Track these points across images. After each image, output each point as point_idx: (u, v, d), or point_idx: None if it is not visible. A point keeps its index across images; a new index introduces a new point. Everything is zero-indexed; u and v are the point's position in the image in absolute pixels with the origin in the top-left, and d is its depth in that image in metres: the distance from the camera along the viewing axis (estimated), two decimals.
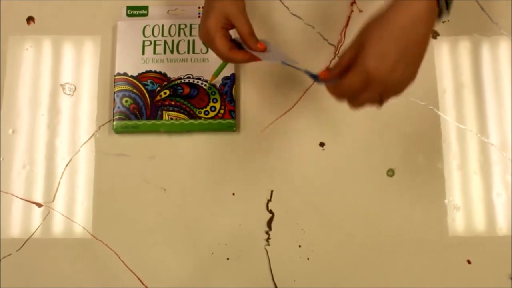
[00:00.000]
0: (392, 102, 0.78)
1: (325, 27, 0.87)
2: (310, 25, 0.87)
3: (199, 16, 0.86)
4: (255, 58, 0.68)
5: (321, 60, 0.85)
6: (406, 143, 0.83)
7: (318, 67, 0.81)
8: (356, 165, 0.82)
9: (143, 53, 0.85)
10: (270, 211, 0.81)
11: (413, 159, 0.82)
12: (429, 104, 0.84)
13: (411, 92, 0.78)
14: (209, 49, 0.72)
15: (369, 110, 0.78)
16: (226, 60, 0.70)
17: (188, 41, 0.85)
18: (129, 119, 0.83)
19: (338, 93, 0.62)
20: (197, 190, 0.82)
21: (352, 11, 0.87)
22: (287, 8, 0.88)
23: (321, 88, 0.79)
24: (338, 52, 0.86)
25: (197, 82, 0.84)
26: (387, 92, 0.62)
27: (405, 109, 0.84)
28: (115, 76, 0.84)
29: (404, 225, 0.80)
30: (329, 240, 0.79)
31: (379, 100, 0.63)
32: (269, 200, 0.81)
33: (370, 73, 0.59)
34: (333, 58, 0.86)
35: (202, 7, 0.74)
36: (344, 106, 0.78)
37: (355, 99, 0.62)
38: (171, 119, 0.83)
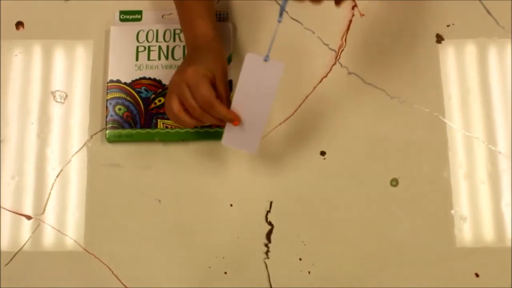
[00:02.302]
0: (396, 110, 0.83)
1: (325, 32, 0.87)
2: (310, 30, 0.87)
3: None
4: (234, 120, 0.72)
5: (321, 65, 0.86)
6: (410, 151, 0.82)
7: (318, 73, 0.84)
8: (358, 175, 0.82)
9: (137, 59, 0.85)
10: (270, 223, 0.81)
11: (417, 168, 0.82)
12: (434, 111, 0.84)
13: (415, 98, 0.84)
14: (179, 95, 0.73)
15: (371, 118, 0.83)
16: (206, 105, 0.70)
17: (184, 46, 0.85)
18: (123, 127, 0.82)
19: None
20: (193, 201, 0.82)
21: (353, 15, 0.87)
22: (287, 12, 0.87)
23: (322, 95, 0.84)
24: (339, 57, 0.86)
25: None
26: None
27: (409, 116, 0.84)
28: (107, 83, 0.84)
29: (409, 237, 0.80)
30: (331, 252, 0.79)
31: None
32: (268, 211, 0.81)
33: None
34: (334, 64, 0.86)
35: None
36: (345, 113, 0.81)
37: None
38: (166, 127, 0.82)
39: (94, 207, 0.82)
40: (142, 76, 0.84)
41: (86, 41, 0.87)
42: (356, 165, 0.82)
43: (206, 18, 0.77)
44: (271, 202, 0.81)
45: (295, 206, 0.81)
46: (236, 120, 0.72)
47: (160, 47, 0.85)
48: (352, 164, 0.83)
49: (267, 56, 0.70)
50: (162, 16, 0.87)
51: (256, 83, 0.71)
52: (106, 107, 0.83)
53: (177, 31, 0.86)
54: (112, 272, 0.79)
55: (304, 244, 0.80)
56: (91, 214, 0.81)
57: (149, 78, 0.84)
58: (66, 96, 0.86)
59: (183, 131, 0.82)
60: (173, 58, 0.85)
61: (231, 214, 0.81)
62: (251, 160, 0.82)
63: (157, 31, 0.86)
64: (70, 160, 0.83)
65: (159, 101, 0.84)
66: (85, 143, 0.84)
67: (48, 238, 0.80)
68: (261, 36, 0.86)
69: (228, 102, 0.73)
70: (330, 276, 0.78)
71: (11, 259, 0.79)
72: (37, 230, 0.81)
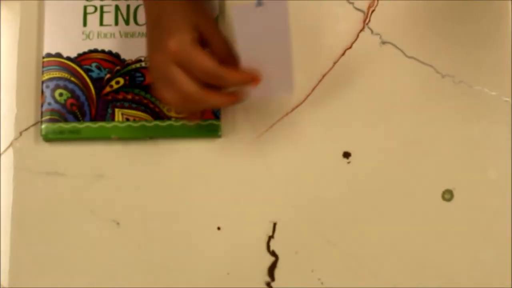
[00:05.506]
0: (449, 93, 0.77)
1: None
2: None
3: None
4: (254, 79, 0.68)
5: (344, 32, 0.77)
6: (469, 152, 0.76)
7: (340, 43, 0.78)
8: (396, 185, 0.76)
9: (85, 25, 0.78)
10: (273, 253, 0.75)
11: (480, 175, 0.75)
12: (504, 95, 0.76)
13: (477, 77, 0.78)
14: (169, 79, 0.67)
15: (415, 105, 0.78)
16: (213, 80, 0.66)
17: None
18: (65, 120, 0.77)
19: None
20: (165, 223, 0.76)
21: None
22: None
23: (345, 74, 0.79)
24: (369, 20, 0.78)
25: None
26: None
27: (469, 102, 0.77)
28: (43, 58, 0.78)
29: (469, 272, 0.74)
30: None
31: None
32: (270, 237, 0.75)
33: None
34: (362, 30, 0.78)
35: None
36: (378, 99, 0.79)
37: None
38: (127, 120, 0.77)
39: (23, 231, 0.76)
40: (92, 48, 0.78)
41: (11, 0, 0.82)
42: (394, 172, 0.76)
43: None
44: (274, 224, 0.75)
45: (308, 230, 0.75)
46: (255, 78, 0.67)
47: (117, 7, 0.79)
48: (388, 171, 0.76)
49: None
50: None
51: (259, 40, 0.66)
52: (42, 91, 0.77)
53: None
54: None
55: (322, 283, 0.74)
56: (19, 241, 0.75)
57: (103, 51, 0.78)
58: None
59: (150, 125, 0.76)
60: (136, 23, 0.78)
61: (218, 240, 0.75)
62: (247, 163, 0.76)
63: None
64: None
65: (117, 83, 0.77)
66: (11, 142, 0.78)
67: None
68: None
69: (233, 56, 0.69)
70: None
71: None
72: None
